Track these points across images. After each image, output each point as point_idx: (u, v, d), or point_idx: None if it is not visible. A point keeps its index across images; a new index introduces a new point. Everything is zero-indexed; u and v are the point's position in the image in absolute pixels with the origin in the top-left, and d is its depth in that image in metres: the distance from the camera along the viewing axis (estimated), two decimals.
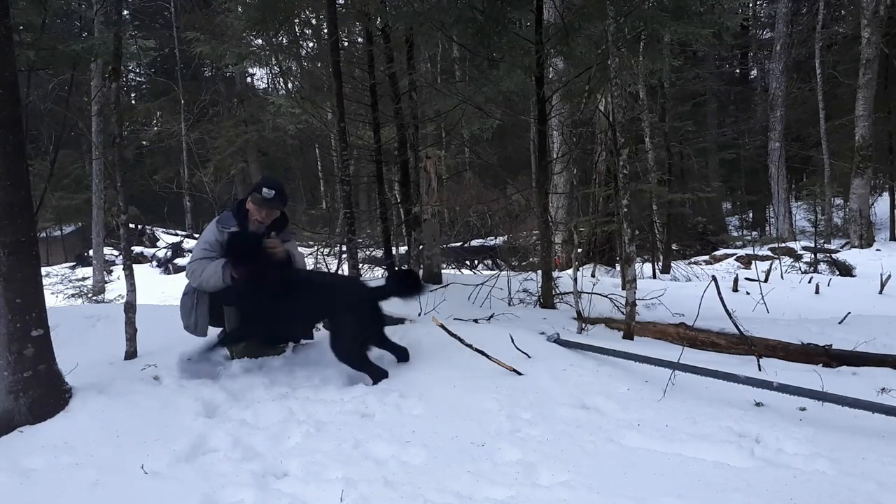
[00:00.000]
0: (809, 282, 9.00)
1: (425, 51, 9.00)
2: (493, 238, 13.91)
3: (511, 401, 3.05)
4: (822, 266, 11.75)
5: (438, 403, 3.09)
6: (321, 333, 4.54)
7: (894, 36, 16.17)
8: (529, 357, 3.54)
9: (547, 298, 6.19)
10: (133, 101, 25.44)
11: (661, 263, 13.08)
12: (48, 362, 3.14)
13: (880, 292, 8.30)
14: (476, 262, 13.31)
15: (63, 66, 6.40)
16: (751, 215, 24.18)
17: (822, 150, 17.54)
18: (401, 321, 4.42)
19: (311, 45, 9.57)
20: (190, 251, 17.07)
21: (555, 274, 6.68)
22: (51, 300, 10.49)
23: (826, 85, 18.05)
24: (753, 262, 12.15)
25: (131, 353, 4.26)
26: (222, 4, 12.75)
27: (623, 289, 6.26)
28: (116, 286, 13.08)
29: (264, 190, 3.84)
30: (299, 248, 4.53)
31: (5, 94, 2.97)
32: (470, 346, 3.49)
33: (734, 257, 14.20)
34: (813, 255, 12.19)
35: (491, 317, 5.25)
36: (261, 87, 26.28)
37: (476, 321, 4.77)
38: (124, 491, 2.40)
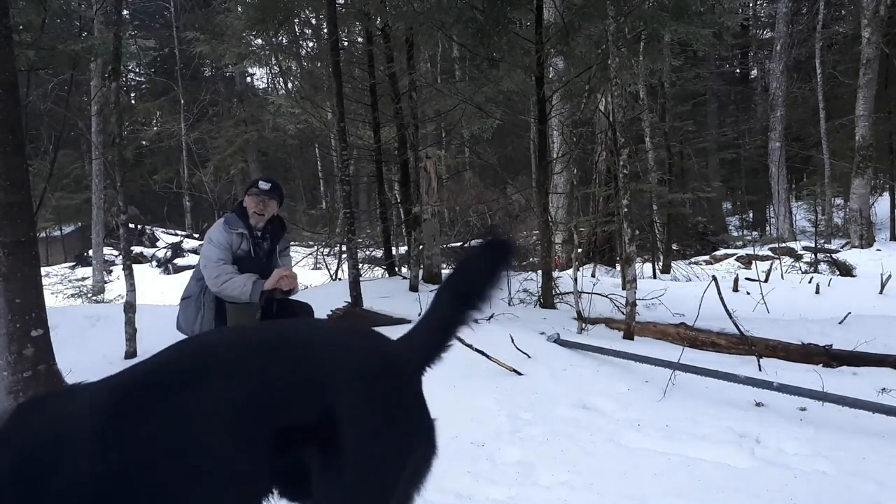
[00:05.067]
0: (810, 282, 8.99)
1: (425, 51, 8.99)
2: None
3: (511, 401, 3.05)
4: (823, 266, 11.74)
5: (438, 403, 3.06)
6: None
7: (894, 36, 16.16)
8: (529, 357, 3.54)
9: (547, 298, 6.18)
10: (133, 101, 25.42)
11: (661, 263, 13.08)
12: (48, 362, 3.14)
13: (880, 292, 8.30)
14: None
15: (63, 65, 6.40)
16: (751, 215, 24.17)
17: (823, 150, 17.53)
18: (401, 321, 4.41)
19: (311, 44, 9.57)
20: (191, 251, 17.09)
21: (555, 274, 6.67)
22: (51, 300, 10.50)
23: (826, 85, 18.04)
24: (754, 262, 12.14)
25: (131, 353, 4.26)
26: (222, 4, 12.76)
27: (623, 289, 6.26)
28: (116, 286, 13.08)
29: (261, 183, 3.94)
30: (292, 253, 4.54)
31: (5, 95, 2.97)
32: (470, 346, 3.49)
33: (734, 257, 14.19)
34: (813, 255, 12.19)
35: (491, 317, 5.24)
36: (261, 87, 26.30)
37: (476, 321, 4.76)
38: None
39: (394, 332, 1.46)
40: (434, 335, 1.57)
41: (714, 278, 4.45)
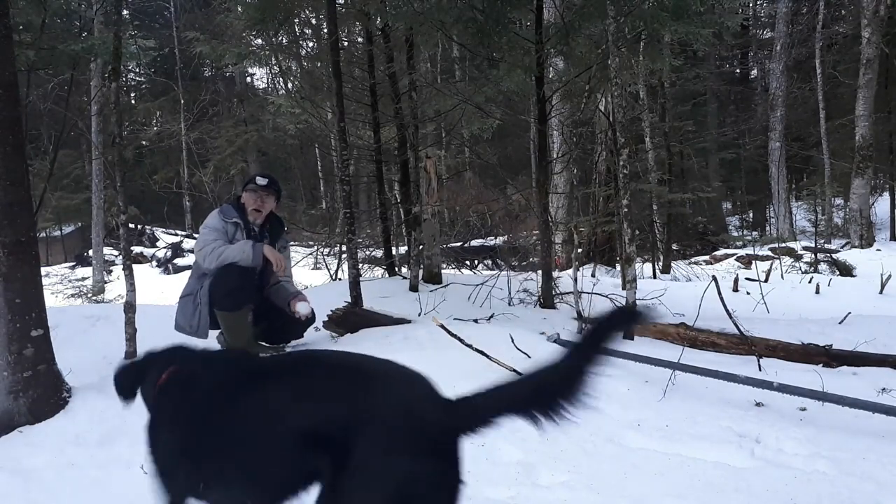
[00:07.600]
0: (810, 282, 8.99)
1: (425, 51, 9.01)
2: (493, 238, 13.90)
3: None
4: (823, 266, 11.74)
5: None
6: (320, 334, 4.54)
7: (894, 36, 16.16)
8: (529, 357, 3.54)
9: (547, 298, 6.18)
10: (133, 101, 25.41)
11: (661, 263, 13.08)
12: (48, 362, 3.14)
13: (880, 292, 8.30)
14: (476, 262, 13.30)
15: (63, 65, 6.41)
16: (751, 215, 24.18)
17: (823, 150, 17.54)
18: (401, 321, 4.41)
19: (311, 44, 9.57)
20: (191, 251, 17.09)
21: (555, 274, 6.67)
22: (51, 300, 10.49)
23: (826, 85, 18.04)
24: (754, 262, 12.15)
25: (131, 353, 4.25)
26: (222, 4, 12.75)
27: (623, 289, 6.26)
28: (116, 286, 13.09)
29: (258, 178, 4.07)
30: (292, 253, 4.57)
31: (5, 94, 2.97)
32: (470, 346, 3.48)
33: (734, 257, 14.19)
34: (813, 255, 12.19)
35: (491, 317, 5.24)
36: (261, 87, 26.32)
37: (476, 321, 4.76)
38: (124, 490, 2.40)
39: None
40: (495, 403, 1.56)
41: (714, 278, 4.46)
